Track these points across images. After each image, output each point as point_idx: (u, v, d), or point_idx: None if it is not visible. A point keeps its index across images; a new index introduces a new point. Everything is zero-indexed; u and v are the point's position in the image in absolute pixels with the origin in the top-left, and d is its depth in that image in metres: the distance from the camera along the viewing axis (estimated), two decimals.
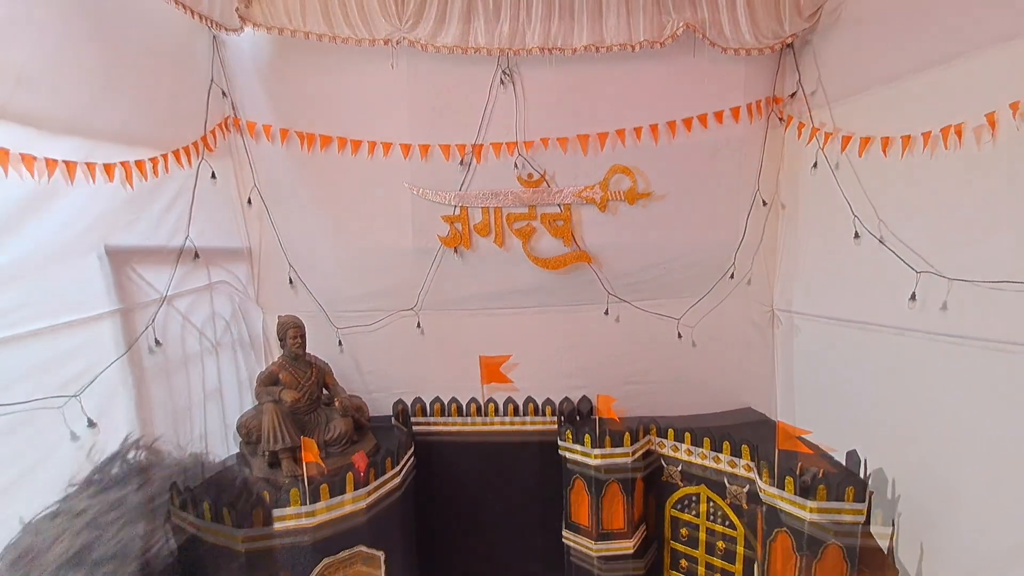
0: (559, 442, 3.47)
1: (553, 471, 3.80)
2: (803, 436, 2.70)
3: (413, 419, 3.83)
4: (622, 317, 3.71)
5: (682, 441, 3.33)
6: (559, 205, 3.49)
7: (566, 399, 3.82)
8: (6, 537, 1.94)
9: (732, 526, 3.19)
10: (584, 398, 3.83)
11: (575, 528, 3.47)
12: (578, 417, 3.70)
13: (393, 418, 3.87)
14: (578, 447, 3.35)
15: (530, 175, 3.46)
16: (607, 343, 3.77)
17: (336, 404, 3.17)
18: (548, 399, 3.82)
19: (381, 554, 2.95)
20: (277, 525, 2.62)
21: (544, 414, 3.82)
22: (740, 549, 3.18)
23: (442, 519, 3.94)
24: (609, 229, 3.53)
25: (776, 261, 3.66)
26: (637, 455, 3.33)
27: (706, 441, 3.22)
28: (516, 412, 3.83)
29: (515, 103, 3.34)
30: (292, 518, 2.64)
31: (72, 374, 2.26)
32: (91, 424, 2.27)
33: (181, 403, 2.93)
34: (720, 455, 3.17)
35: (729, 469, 3.15)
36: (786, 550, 2.71)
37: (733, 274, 3.64)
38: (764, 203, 3.56)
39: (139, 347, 2.64)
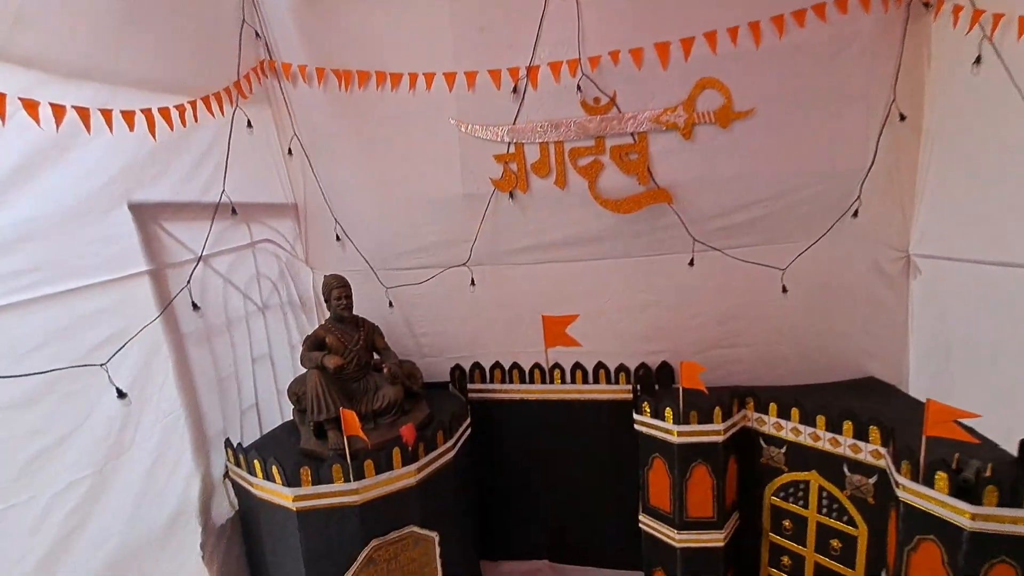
0: (635, 416, 3.01)
1: (629, 445, 3.36)
2: (963, 420, 2.05)
3: (471, 386, 3.51)
4: (711, 268, 3.09)
5: (788, 417, 2.74)
6: (632, 134, 2.89)
7: (643, 365, 3.32)
8: (31, 514, 1.83)
9: (852, 523, 2.61)
10: (664, 364, 3.31)
11: (654, 513, 3.04)
12: (656, 386, 3.20)
13: (450, 384, 3.58)
14: (658, 422, 2.87)
15: (596, 99, 2.88)
16: (692, 300, 3.19)
17: (385, 371, 2.90)
18: (622, 365, 3.34)
19: (435, 535, 2.70)
20: (323, 502, 2.41)
21: (617, 381, 3.36)
22: (862, 552, 2.60)
23: (502, 496, 3.66)
24: (695, 161, 2.89)
25: (916, 193, 2.86)
26: (730, 433, 2.80)
27: (821, 419, 2.61)
28: (585, 379, 3.40)
29: (575, 11, 2.74)
30: (337, 495, 2.41)
31: (96, 341, 2.10)
32: (121, 395, 2.12)
33: (226, 370, 2.78)
34: (839, 436, 2.56)
35: (851, 454, 2.54)
36: (933, 564, 2.11)
37: (857, 211, 2.88)
38: (902, 118, 2.74)
39: (175, 311, 2.47)
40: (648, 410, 2.90)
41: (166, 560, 2.29)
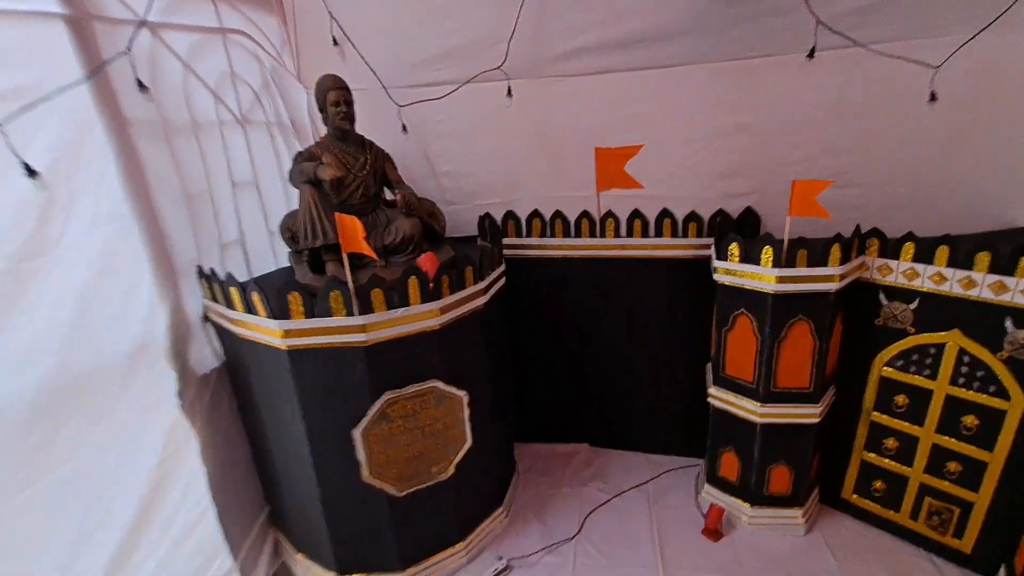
0: (715, 262, 2.37)
1: (691, 313, 2.77)
2: None
3: (504, 240, 2.90)
4: (829, 74, 2.32)
5: (928, 261, 2.08)
6: None
7: (719, 213, 2.65)
8: None
9: (1003, 394, 2.01)
10: (749, 212, 2.62)
11: (730, 384, 2.48)
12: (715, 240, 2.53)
13: (479, 237, 2.97)
14: (748, 268, 2.23)
15: None
16: (797, 122, 2.44)
17: (398, 198, 2.27)
18: (692, 213, 2.67)
19: (463, 394, 2.18)
20: (320, 340, 1.88)
21: (684, 234, 2.70)
22: (1009, 431, 2.01)
23: (538, 371, 3.14)
24: None
25: None
26: (844, 283, 2.16)
27: (983, 257, 1.94)
28: (645, 230, 2.74)
29: None
30: (338, 332, 1.87)
31: None
32: (30, 171, 1.52)
33: (196, 186, 2.17)
34: (1008, 279, 1.90)
35: (1022, 302, 1.89)
36: None
37: None
38: None
39: (112, 86, 1.82)
40: (736, 253, 2.25)
41: (129, 399, 1.81)
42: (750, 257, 2.21)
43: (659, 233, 2.74)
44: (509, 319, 2.81)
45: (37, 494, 1.50)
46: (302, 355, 1.89)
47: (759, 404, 2.37)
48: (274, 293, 1.81)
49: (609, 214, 2.77)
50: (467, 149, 2.80)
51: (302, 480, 2.11)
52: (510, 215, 2.89)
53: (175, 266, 2.02)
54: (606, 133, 2.62)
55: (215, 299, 2.04)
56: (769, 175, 2.57)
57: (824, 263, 2.08)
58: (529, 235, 2.90)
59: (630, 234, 2.78)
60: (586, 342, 3.04)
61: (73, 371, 1.62)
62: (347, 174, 2.21)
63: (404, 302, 1.91)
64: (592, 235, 2.83)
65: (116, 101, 1.81)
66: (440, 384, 2.09)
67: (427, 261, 1.97)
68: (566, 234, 2.86)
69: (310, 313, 1.83)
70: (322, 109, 2.31)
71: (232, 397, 2.31)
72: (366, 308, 1.85)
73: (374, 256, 1.81)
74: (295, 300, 1.80)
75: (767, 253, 2.13)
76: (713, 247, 2.47)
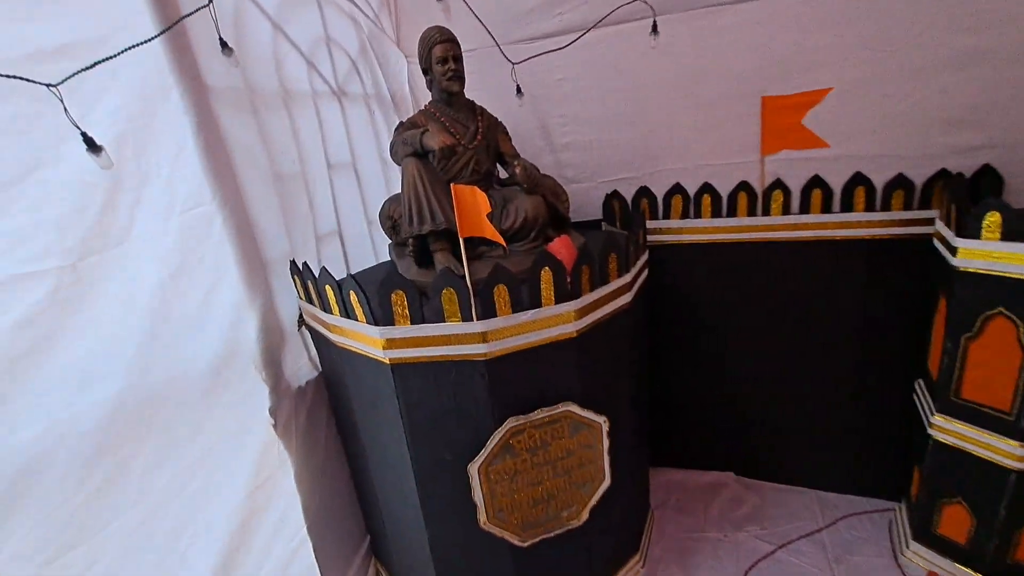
0: (955, 241, 1.69)
1: (893, 307, 2.10)
2: None
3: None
4: None
5: None
6: None
7: (943, 173, 1.95)
8: None
9: None
10: (987, 170, 1.90)
11: (968, 412, 1.79)
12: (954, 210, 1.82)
13: (603, 221, 2.47)
14: (1005, 248, 1.54)
15: None
16: None
17: (516, 171, 1.83)
18: (900, 177, 1.99)
19: (603, 420, 1.69)
20: (430, 351, 1.48)
21: (887, 207, 2.03)
22: None
23: (678, 377, 2.59)
24: None
25: None
26: None
27: None
28: (827, 203, 2.11)
29: None
30: (452, 341, 1.46)
31: (42, 47, 1.21)
32: (92, 145, 1.24)
33: (288, 166, 1.87)
34: None
35: None
36: None
37: None
38: None
39: (190, 46, 1.53)
40: (996, 227, 1.56)
41: (212, 421, 1.52)
42: (1016, 233, 1.53)
43: (848, 206, 2.09)
44: (651, 318, 2.29)
45: (98, 546, 1.21)
46: (409, 370, 1.50)
47: (1019, 444, 1.66)
48: (374, 292, 1.43)
49: (777, 184, 2.16)
50: (593, 113, 2.31)
51: (408, 520, 1.74)
52: (643, 192, 2.36)
53: (266, 260, 1.72)
54: (777, 77, 2.02)
55: (310, 300, 1.72)
56: (1017, 121, 1.84)
57: None
58: (668, 216, 2.35)
59: (805, 210, 2.15)
60: (737, 347, 2.45)
61: (144, 391, 1.34)
62: (457, 144, 1.80)
63: (535, 302, 1.46)
64: (752, 213, 2.23)
65: (195, 64, 1.52)
66: (576, 408, 1.62)
67: (563, 247, 1.50)
68: (716, 213, 2.28)
69: (418, 318, 1.43)
70: (426, 70, 1.92)
71: (331, 413, 2.00)
72: (488, 311, 1.42)
73: (500, 240, 1.38)
74: (399, 301, 1.41)
75: None
76: (945, 219, 1.78)
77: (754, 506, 2.53)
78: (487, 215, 1.31)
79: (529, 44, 2.24)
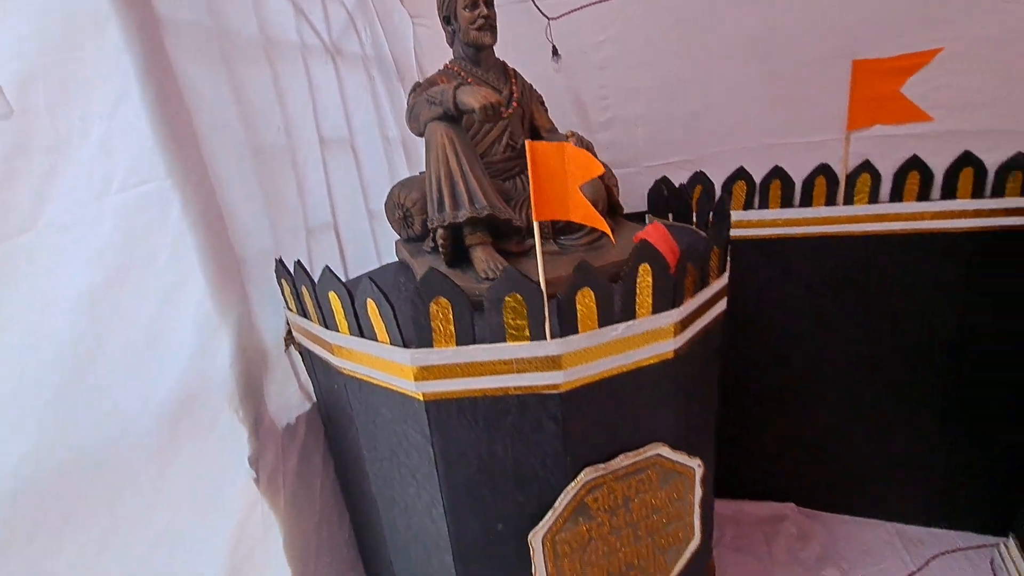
0: None
1: (1005, 312, 1.77)
2: None
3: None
4: None
5: None
6: None
7: None
8: None
9: None
10: None
11: None
12: None
13: (648, 213, 2.08)
14: None
15: None
16: None
17: (572, 140, 1.43)
18: (1019, 154, 1.66)
19: (696, 465, 1.29)
20: (482, 383, 1.05)
21: (1000, 192, 1.70)
22: None
23: (734, 396, 2.21)
24: None
25: None
26: None
27: None
28: (925, 189, 1.77)
29: None
30: (515, 368, 1.03)
31: None
32: None
33: (270, 136, 1.42)
34: None
35: None
36: None
37: None
38: None
39: None
40: None
41: (168, 488, 1.07)
42: None
43: (950, 193, 1.75)
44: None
45: None
46: (451, 408, 1.07)
47: None
48: (405, 302, 1.01)
49: (864, 167, 1.81)
50: (640, 81, 1.93)
51: None
52: (697, 177, 1.99)
53: (241, 258, 1.28)
54: (874, 36, 1.67)
55: (303, 312, 1.28)
56: None
57: None
58: (730, 206, 1.98)
59: (897, 197, 1.81)
60: (804, 360, 2.09)
61: (65, 454, 0.88)
62: (501, 104, 1.38)
63: (629, 312, 1.05)
64: (831, 202, 1.88)
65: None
66: (667, 451, 1.22)
67: (660, 238, 1.10)
68: (787, 203, 1.92)
69: (467, 337, 1.01)
70: (448, 18, 1.51)
71: (327, 456, 1.55)
72: (569, 323, 1.01)
73: (604, 226, 0.96)
74: (442, 311, 0.98)
75: None
76: None
77: (824, 543, 2.18)
78: (582, 187, 0.90)
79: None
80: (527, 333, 1.00)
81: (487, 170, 1.38)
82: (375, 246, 1.84)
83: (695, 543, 1.38)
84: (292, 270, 1.22)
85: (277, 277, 1.33)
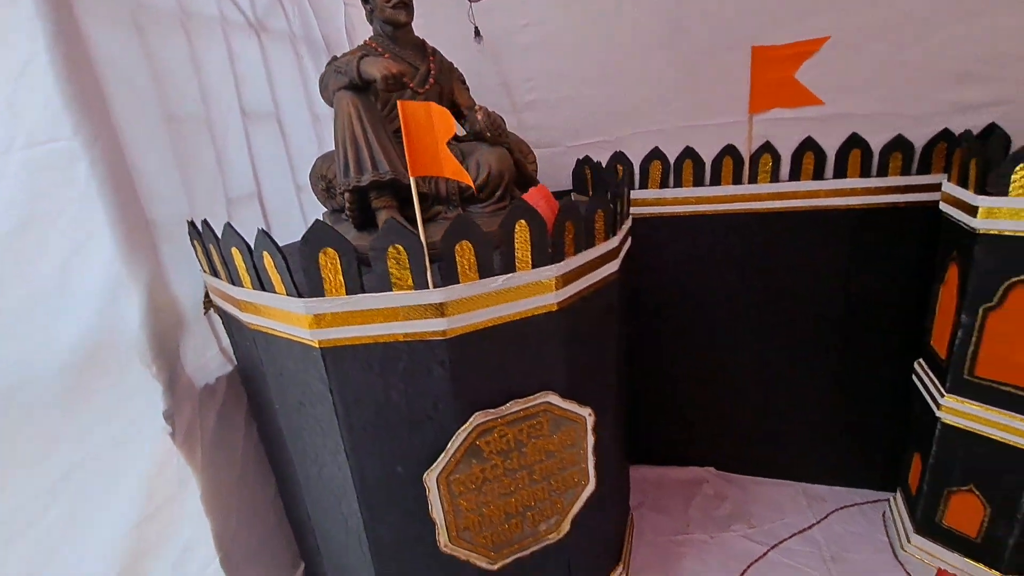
0: (978, 200, 1.50)
1: (887, 281, 1.94)
2: None
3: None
4: None
5: None
6: None
7: (945, 134, 1.78)
8: None
9: None
10: (993, 130, 1.74)
11: (985, 392, 1.61)
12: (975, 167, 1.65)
13: (573, 192, 2.19)
14: None
15: None
16: None
17: (478, 115, 1.52)
18: (899, 138, 1.82)
19: (587, 414, 1.40)
20: (373, 330, 1.14)
21: (883, 172, 1.86)
22: None
23: (652, 364, 2.34)
24: None
25: None
26: None
27: None
28: (819, 169, 1.91)
29: None
30: (403, 315, 1.12)
31: None
32: None
33: (185, 107, 1.47)
34: None
35: None
36: None
37: None
38: None
39: None
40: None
41: (66, 427, 1.12)
42: None
43: (841, 172, 1.90)
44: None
45: None
46: (346, 355, 1.15)
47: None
48: (297, 254, 1.08)
49: (766, 148, 1.94)
50: (563, 66, 2.03)
51: (350, 548, 1.39)
52: (617, 157, 2.10)
53: (153, 220, 1.33)
54: (769, 24, 1.80)
55: (215, 272, 1.34)
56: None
57: None
58: (644, 185, 2.10)
59: (796, 176, 1.95)
60: (715, 330, 2.23)
61: None
62: (405, 75, 1.45)
63: (509, 266, 1.15)
64: (737, 181, 2.01)
65: None
66: (556, 399, 1.32)
67: (542, 198, 1.20)
68: (698, 181, 2.05)
69: (356, 287, 1.09)
70: None
71: (250, 417, 1.62)
72: (448, 276, 1.10)
73: (468, 179, 1.05)
74: (330, 263, 1.06)
75: None
76: (959, 179, 1.60)
77: (737, 502, 2.33)
78: (448, 143, 0.99)
79: None
80: (411, 283, 1.09)
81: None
82: (304, 218, 1.90)
83: (590, 488, 1.49)
84: (201, 230, 1.28)
85: (190, 239, 1.38)
